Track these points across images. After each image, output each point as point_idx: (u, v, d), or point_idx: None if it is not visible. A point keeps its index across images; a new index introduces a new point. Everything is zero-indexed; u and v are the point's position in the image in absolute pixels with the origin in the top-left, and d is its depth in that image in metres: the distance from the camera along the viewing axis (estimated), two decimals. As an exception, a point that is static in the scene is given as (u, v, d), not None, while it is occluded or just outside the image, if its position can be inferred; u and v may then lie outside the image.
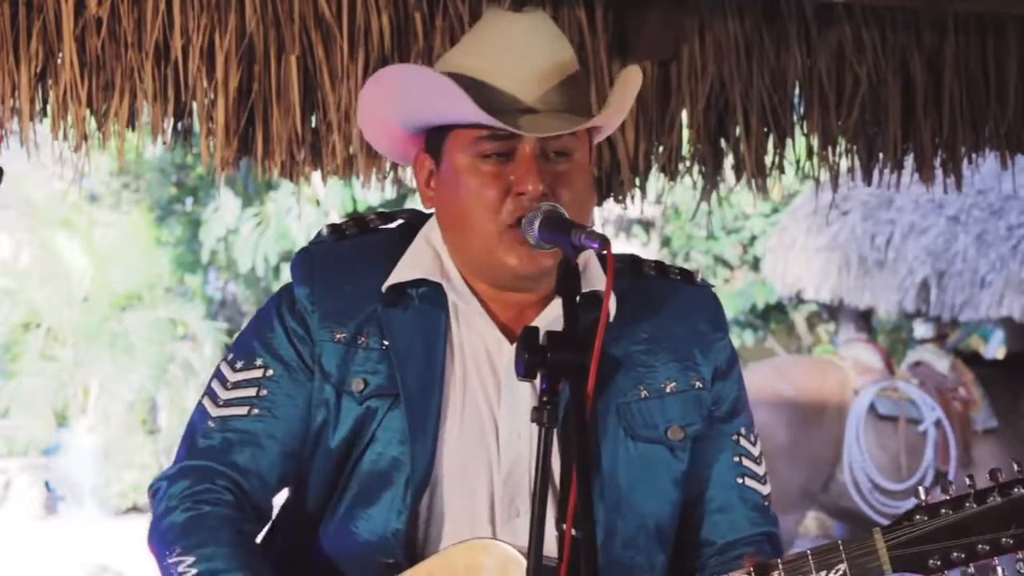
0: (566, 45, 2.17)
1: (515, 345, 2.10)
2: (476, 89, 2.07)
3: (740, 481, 2.26)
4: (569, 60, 2.16)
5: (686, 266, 13.71)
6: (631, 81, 2.20)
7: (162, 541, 2.14)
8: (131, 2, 3.66)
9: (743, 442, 2.28)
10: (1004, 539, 2.00)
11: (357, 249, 2.24)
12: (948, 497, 2.03)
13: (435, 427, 2.13)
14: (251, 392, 2.19)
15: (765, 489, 2.29)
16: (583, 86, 2.21)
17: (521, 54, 2.11)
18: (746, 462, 2.27)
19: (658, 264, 2.31)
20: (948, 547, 2.01)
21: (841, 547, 2.04)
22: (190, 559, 2.09)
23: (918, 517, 2.02)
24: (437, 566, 2.10)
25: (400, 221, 2.30)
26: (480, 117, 2.06)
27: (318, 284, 2.20)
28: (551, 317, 2.14)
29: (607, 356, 2.10)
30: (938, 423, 7.63)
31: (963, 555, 2.01)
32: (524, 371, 1.91)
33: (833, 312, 11.80)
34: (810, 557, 2.04)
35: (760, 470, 2.29)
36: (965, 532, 2.01)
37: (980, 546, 2.00)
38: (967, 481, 2.03)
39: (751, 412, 2.32)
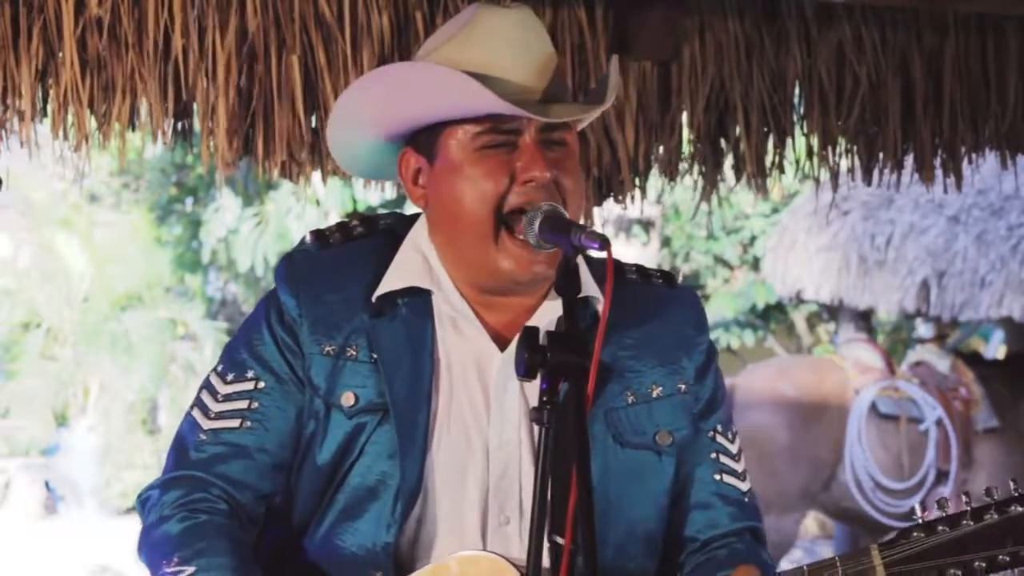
0: (548, 39, 2.20)
1: (507, 350, 2.12)
2: (483, 81, 2.07)
3: (718, 478, 2.26)
4: (553, 52, 2.19)
5: (686, 266, 13.54)
6: (615, 72, 2.21)
7: (157, 550, 2.12)
8: (132, 2, 3.66)
9: (720, 439, 2.28)
10: (1000, 556, 2.01)
11: (342, 258, 2.22)
12: (945, 514, 2.03)
13: (424, 440, 2.12)
14: (242, 405, 2.18)
15: (744, 485, 2.29)
16: (565, 77, 2.24)
17: (519, 48, 2.12)
18: (723, 459, 2.27)
19: (639, 269, 2.32)
20: (945, 564, 2.01)
21: (838, 563, 2.04)
22: (190, 568, 2.07)
23: (915, 534, 2.03)
24: None
25: (384, 227, 2.27)
26: (501, 107, 2.06)
27: (304, 294, 2.18)
28: (541, 321, 2.14)
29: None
30: (939, 422, 7.63)
31: (960, 572, 2.01)
32: (524, 371, 1.90)
33: (833, 312, 11.79)
34: (807, 572, 2.04)
35: (739, 467, 2.29)
36: (962, 549, 2.01)
37: (977, 563, 2.01)
38: (964, 498, 2.03)
39: (729, 408, 2.32)
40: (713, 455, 2.26)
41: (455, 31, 2.16)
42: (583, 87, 3.92)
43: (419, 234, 2.22)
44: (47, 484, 13.75)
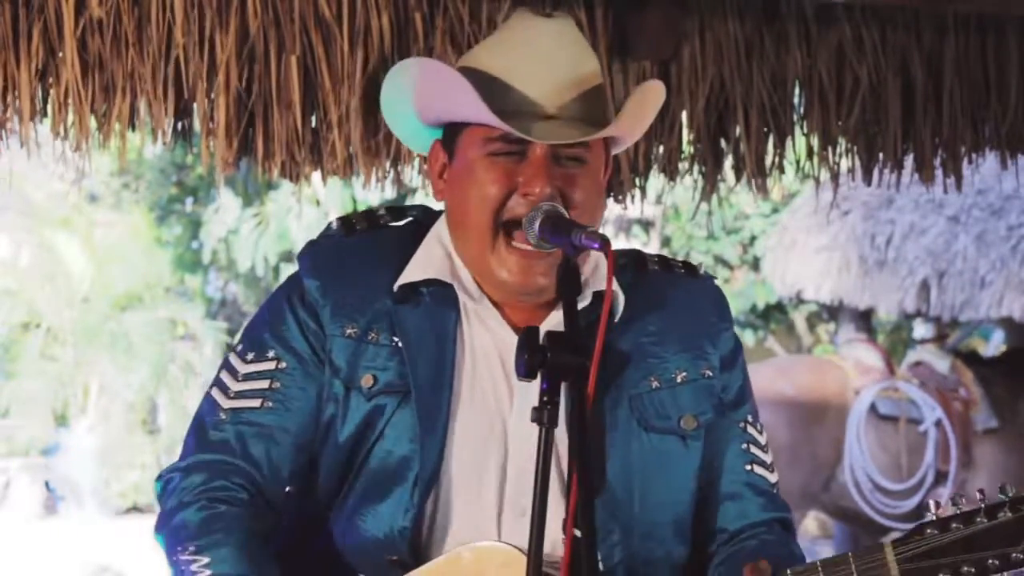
0: (591, 56, 2.17)
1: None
2: (494, 89, 2.09)
3: (749, 468, 2.27)
4: (592, 71, 2.16)
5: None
6: (650, 95, 2.18)
7: (174, 536, 2.14)
8: (132, 2, 3.66)
9: (750, 430, 2.29)
10: (1015, 554, 2.00)
11: (367, 245, 2.24)
12: (959, 511, 2.03)
13: (444, 425, 2.13)
14: (263, 384, 2.19)
15: (773, 477, 2.30)
16: (603, 98, 2.19)
17: (544, 59, 2.12)
18: (754, 449, 2.28)
19: (661, 258, 2.33)
20: (958, 561, 2.00)
21: (851, 559, 2.03)
22: (204, 559, 2.08)
23: (929, 531, 2.02)
24: (444, 567, 2.10)
25: (410, 219, 2.29)
26: (492, 120, 2.07)
27: (328, 277, 2.20)
28: (558, 320, 2.13)
29: (617, 350, 2.12)
30: (938, 423, 7.64)
31: (973, 570, 2.00)
32: (524, 371, 1.91)
33: (833, 312, 11.79)
34: (820, 568, 2.04)
35: (767, 458, 2.30)
36: (975, 547, 2.00)
37: (990, 561, 2.00)
38: (978, 495, 2.03)
39: (755, 401, 2.33)
40: (744, 446, 2.27)
41: (495, 34, 2.20)
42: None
43: (443, 231, 2.24)
44: (47, 484, 13.76)
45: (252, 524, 2.15)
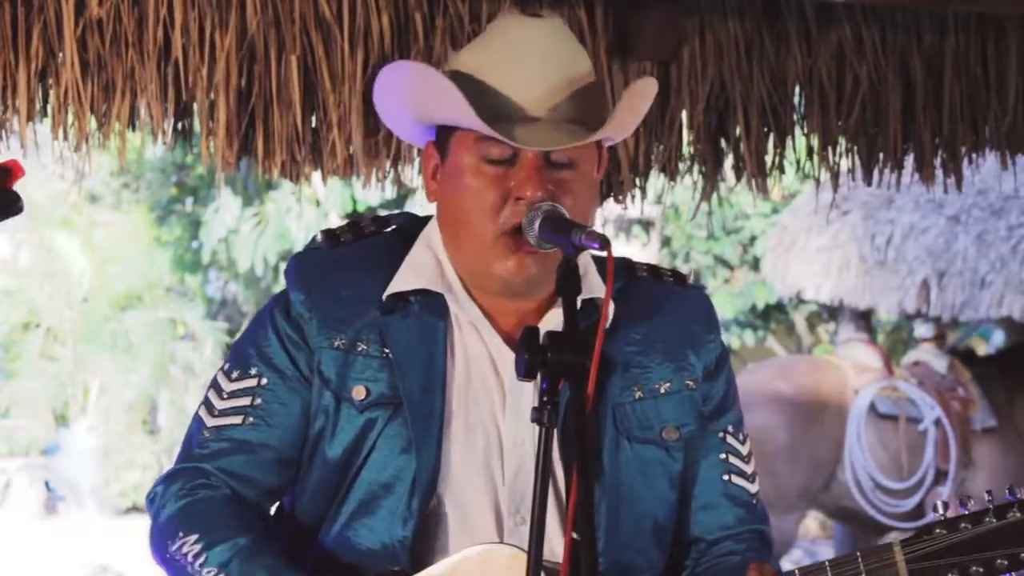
0: (582, 55, 2.15)
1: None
2: (481, 93, 2.07)
3: (726, 478, 2.27)
4: (584, 70, 2.13)
5: (686, 266, 13.58)
6: (642, 91, 2.16)
7: (162, 535, 2.14)
8: (132, 2, 3.66)
9: (730, 439, 2.28)
10: (1023, 554, 2.00)
11: (353, 255, 2.23)
12: (968, 511, 2.03)
13: (438, 434, 2.12)
14: (245, 401, 2.19)
15: (753, 487, 2.29)
16: (597, 97, 2.16)
17: (532, 61, 2.10)
18: (733, 459, 2.27)
19: (650, 267, 2.32)
20: (967, 561, 2.01)
21: (860, 559, 2.04)
22: (193, 537, 2.10)
23: (937, 531, 2.03)
24: (447, 571, 2.09)
25: (395, 226, 2.28)
26: (478, 125, 2.06)
27: (315, 290, 2.19)
28: (551, 324, 2.13)
29: (603, 358, 2.11)
30: (938, 422, 7.64)
31: (981, 569, 2.01)
32: (524, 371, 1.91)
33: (833, 312, 11.80)
34: (828, 568, 2.04)
35: (748, 468, 2.29)
36: (984, 546, 2.01)
37: (999, 560, 2.01)
38: (986, 496, 2.03)
39: (741, 410, 2.32)
40: (723, 456, 2.27)
41: (483, 35, 2.18)
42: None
43: (433, 235, 2.23)
44: (47, 484, 13.75)
45: (236, 503, 2.16)
